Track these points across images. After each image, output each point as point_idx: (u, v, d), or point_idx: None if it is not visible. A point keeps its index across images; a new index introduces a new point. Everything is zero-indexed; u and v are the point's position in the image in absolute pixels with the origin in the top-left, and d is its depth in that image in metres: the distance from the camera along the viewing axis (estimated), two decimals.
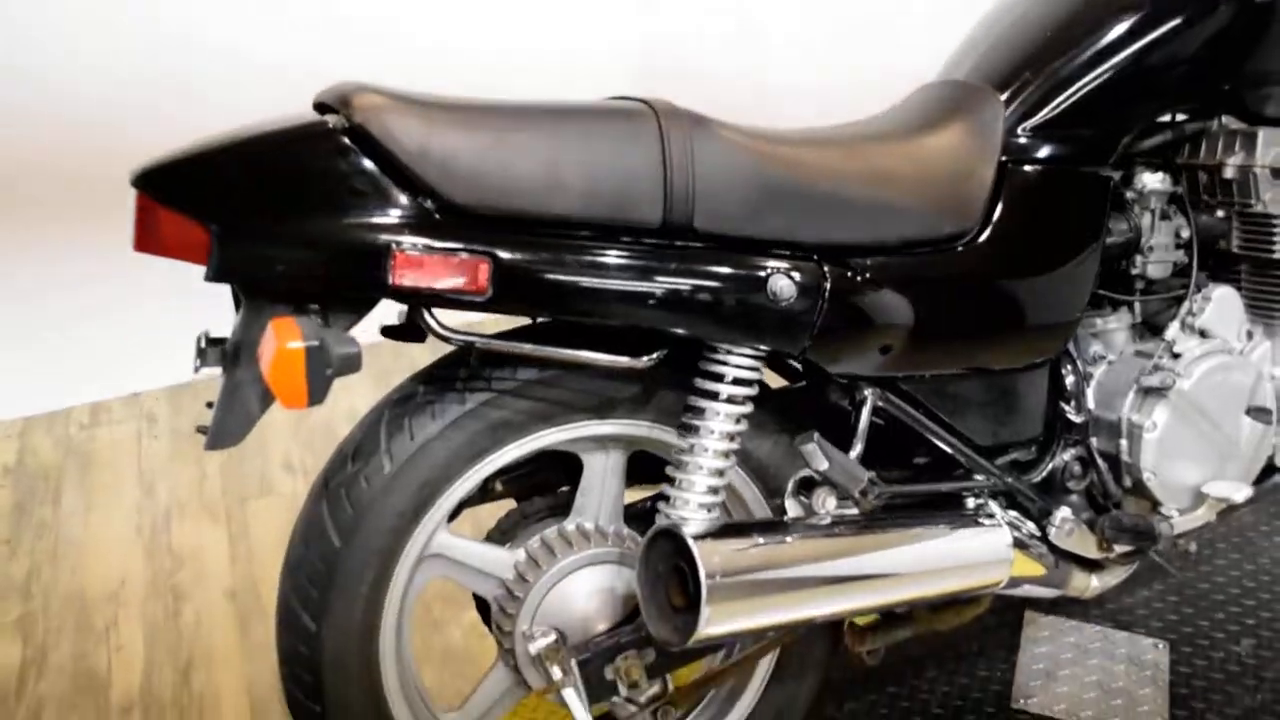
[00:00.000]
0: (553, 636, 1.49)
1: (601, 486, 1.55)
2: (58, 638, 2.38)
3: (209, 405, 1.30)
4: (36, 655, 2.33)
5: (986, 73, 1.61)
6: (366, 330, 1.30)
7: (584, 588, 1.51)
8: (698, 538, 1.32)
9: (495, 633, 1.56)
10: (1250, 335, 1.74)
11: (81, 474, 2.98)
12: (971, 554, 1.50)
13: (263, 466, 2.94)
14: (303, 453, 2.96)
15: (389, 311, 1.50)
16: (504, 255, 1.23)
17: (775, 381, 1.60)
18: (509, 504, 1.63)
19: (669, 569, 1.35)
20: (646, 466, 1.56)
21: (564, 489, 1.60)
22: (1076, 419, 1.65)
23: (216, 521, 2.73)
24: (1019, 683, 2.00)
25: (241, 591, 2.47)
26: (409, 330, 1.50)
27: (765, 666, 1.67)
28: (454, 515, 1.53)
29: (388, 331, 1.50)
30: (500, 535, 1.58)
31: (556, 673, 1.47)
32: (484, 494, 1.57)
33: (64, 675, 2.28)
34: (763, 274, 1.33)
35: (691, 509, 1.39)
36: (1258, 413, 1.68)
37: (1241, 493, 1.66)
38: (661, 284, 1.30)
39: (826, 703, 1.97)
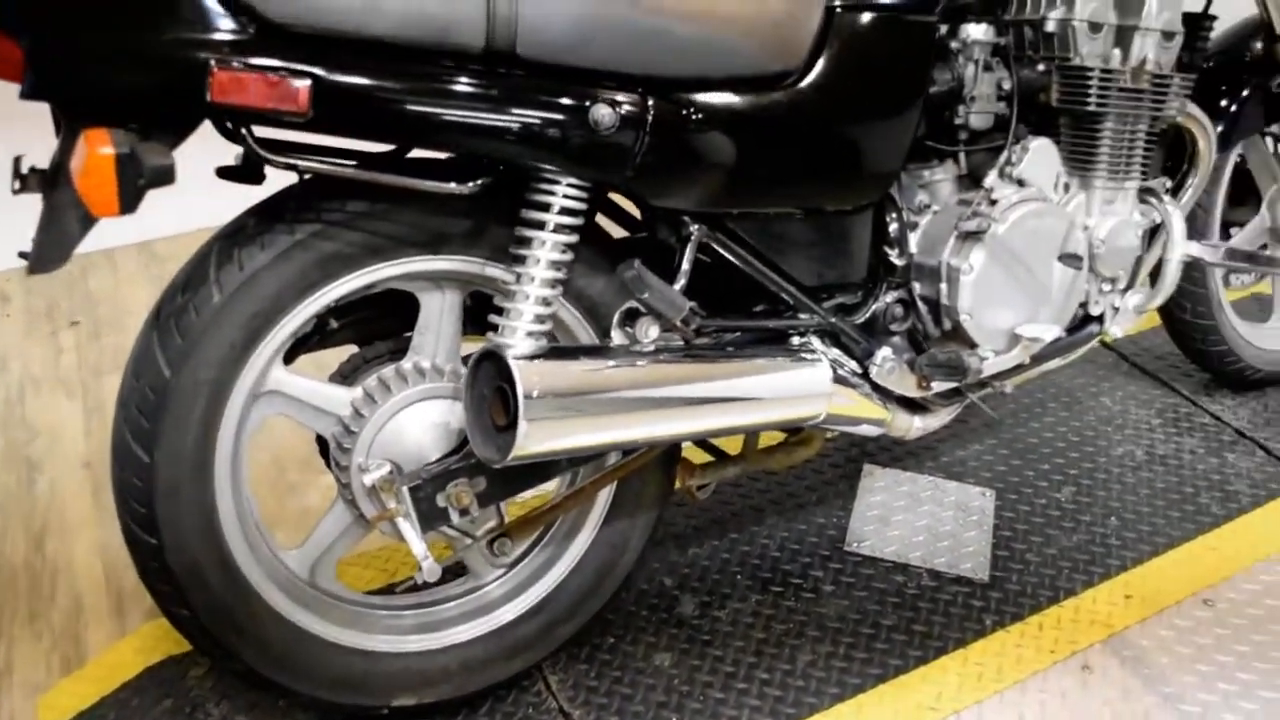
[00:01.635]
0: (387, 468, 1.53)
1: (438, 326, 1.57)
2: None
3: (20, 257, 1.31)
4: None
5: None
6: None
7: (418, 422, 1.55)
8: (520, 359, 1.36)
9: (334, 470, 1.59)
10: (1067, 187, 1.82)
11: None
12: (791, 386, 1.57)
13: (119, 342, 2.90)
14: None
15: (228, 154, 1.50)
16: (324, 75, 1.24)
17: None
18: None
19: (493, 390, 1.39)
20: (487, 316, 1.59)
21: (407, 334, 1.62)
22: (899, 262, 1.71)
23: (72, 396, 2.70)
24: (853, 528, 2.10)
25: (96, 462, 2.45)
26: (245, 172, 1.50)
27: (601, 505, 1.72)
28: (293, 357, 1.55)
29: (223, 173, 1.50)
30: (341, 377, 1.59)
31: (390, 502, 1.51)
32: (324, 335, 1.59)
33: None
34: (585, 103, 1.35)
35: (518, 337, 1.42)
36: (1069, 259, 1.76)
37: (1051, 333, 1.75)
38: (483, 110, 1.32)
39: (670, 548, 2.05)
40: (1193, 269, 2.28)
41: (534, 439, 1.33)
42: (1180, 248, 1.91)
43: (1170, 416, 2.48)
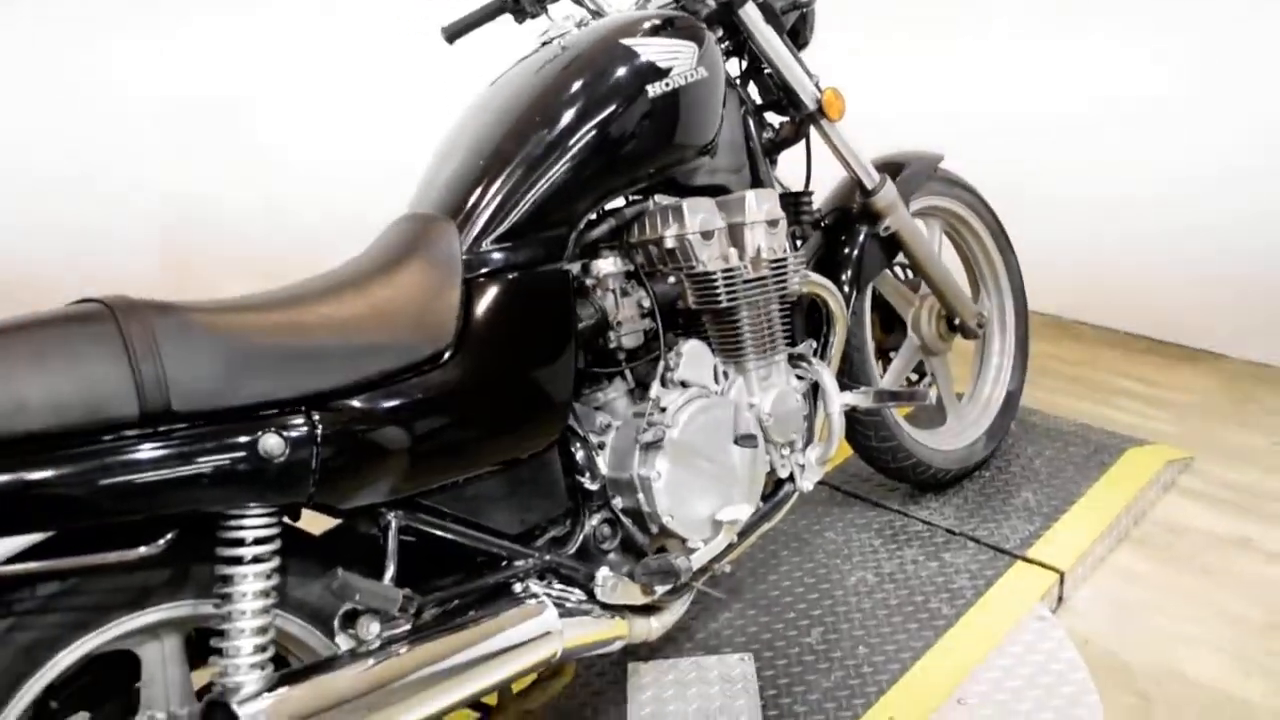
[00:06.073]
0: None
1: (164, 675, 1.56)
2: None
3: None
4: None
5: (438, 202, 1.79)
6: None
7: None
8: (247, 699, 1.38)
9: None
10: (726, 375, 2.00)
11: None
12: (520, 636, 1.64)
13: None
14: None
15: None
16: None
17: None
18: None
19: None
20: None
21: (137, 684, 1.60)
22: (593, 487, 1.83)
23: None
24: None
25: None
26: None
27: None
28: None
29: None
30: None
31: None
32: (50, 716, 1.55)
33: None
34: (251, 437, 1.41)
35: (244, 672, 1.44)
36: (744, 439, 1.93)
37: (747, 511, 1.90)
38: (154, 472, 1.35)
39: None
40: None
41: None
42: (836, 401, 2.12)
43: (888, 534, 2.69)
